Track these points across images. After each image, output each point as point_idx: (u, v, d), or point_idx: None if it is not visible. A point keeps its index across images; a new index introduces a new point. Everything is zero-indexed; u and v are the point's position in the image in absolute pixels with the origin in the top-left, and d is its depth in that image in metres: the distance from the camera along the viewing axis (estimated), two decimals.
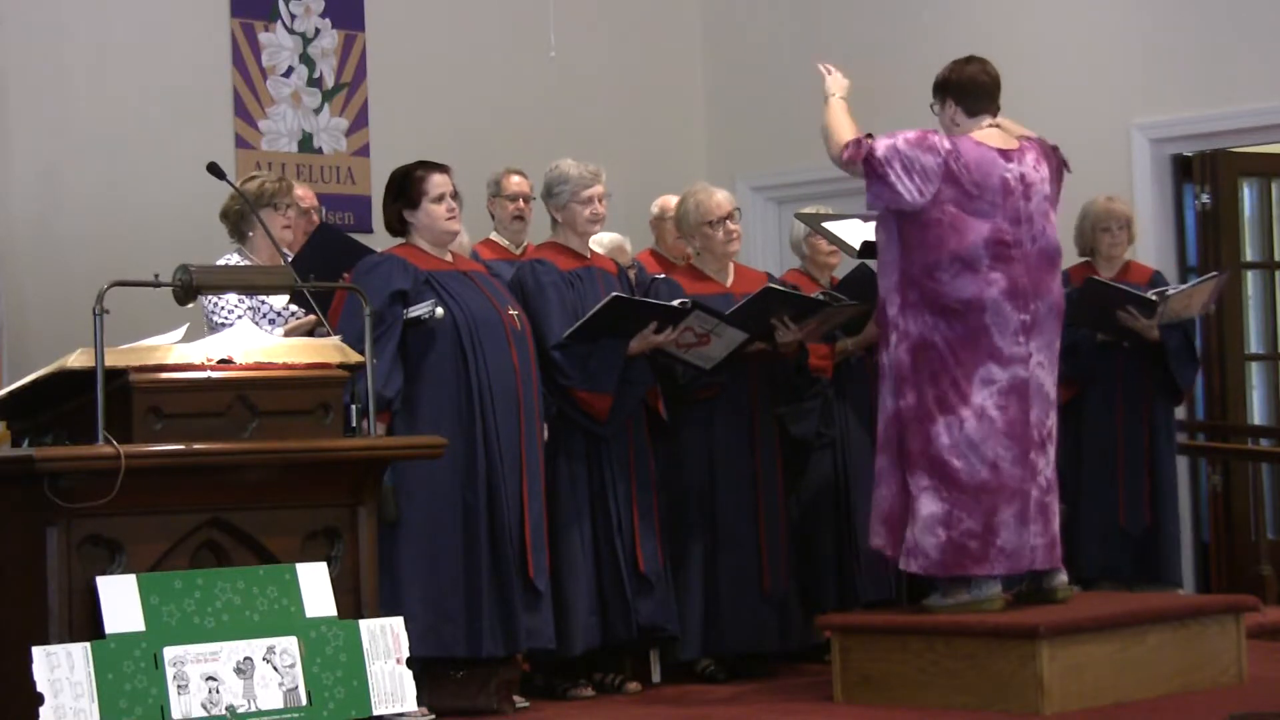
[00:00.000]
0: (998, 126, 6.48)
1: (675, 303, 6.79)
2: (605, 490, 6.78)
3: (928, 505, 6.31)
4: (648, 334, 6.71)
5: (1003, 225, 6.33)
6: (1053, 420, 6.45)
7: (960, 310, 6.30)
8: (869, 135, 6.40)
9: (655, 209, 8.16)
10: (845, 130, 6.45)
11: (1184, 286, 7.95)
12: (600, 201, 6.87)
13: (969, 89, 6.49)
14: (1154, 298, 7.71)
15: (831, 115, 6.55)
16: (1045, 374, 6.42)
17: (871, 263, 7.20)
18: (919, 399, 6.33)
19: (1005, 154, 6.40)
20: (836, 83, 6.64)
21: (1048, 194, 6.47)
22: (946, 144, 6.36)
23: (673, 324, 6.74)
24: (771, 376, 7.25)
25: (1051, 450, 6.46)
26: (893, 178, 6.29)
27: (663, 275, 7.31)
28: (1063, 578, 6.53)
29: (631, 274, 7.20)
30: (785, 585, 7.18)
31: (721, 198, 7.22)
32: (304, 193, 7.48)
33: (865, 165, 6.33)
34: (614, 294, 6.65)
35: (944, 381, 6.31)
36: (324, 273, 6.25)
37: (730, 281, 7.25)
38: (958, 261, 6.29)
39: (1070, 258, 8.12)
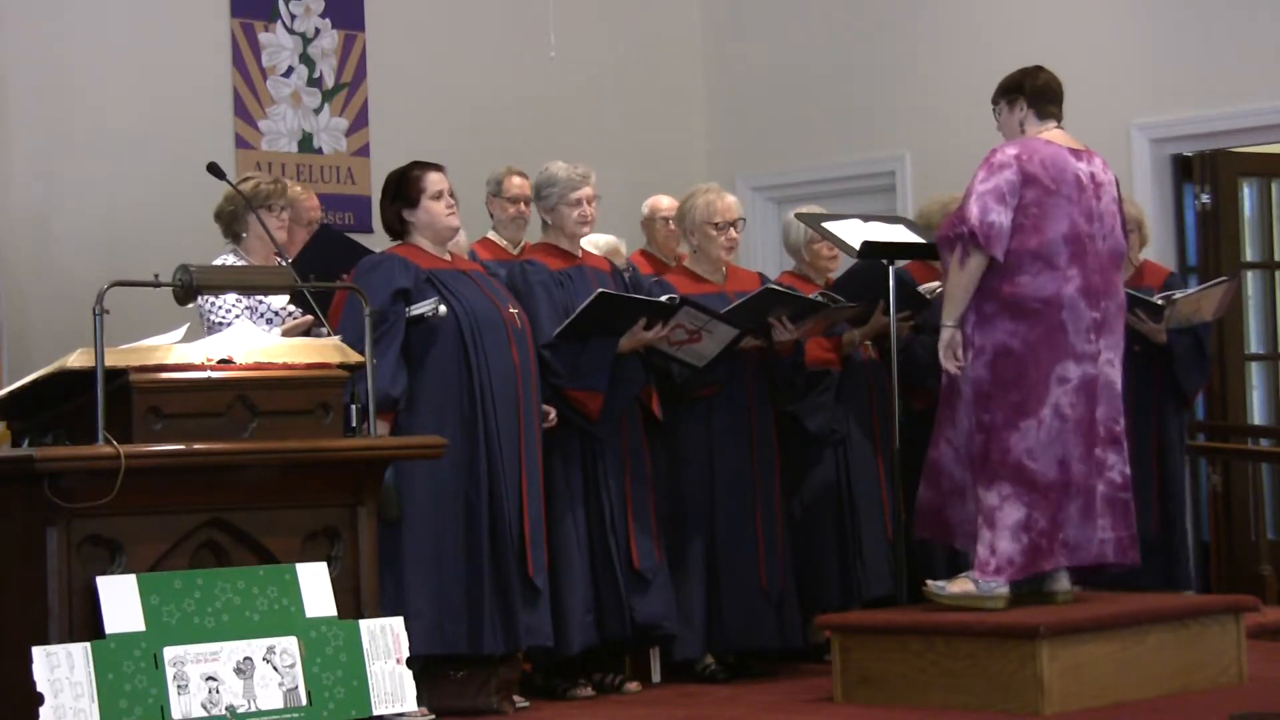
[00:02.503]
0: (1061, 130, 6.54)
1: (663, 298, 6.79)
2: (599, 488, 6.78)
3: (1011, 513, 6.32)
4: (637, 331, 6.72)
5: (1079, 220, 6.38)
6: (1120, 420, 6.50)
7: (1039, 309, 6.32)
8: (965, 232, 6.36)
9: (645, 209, 8.16)
10: (951, 276, 6.39)
11: (1192, 291, 7.93)
12: (590, 204, 6.87)
13: (1044, 93, 6.56)
14: (1160, 302, 7.70)
15: (955, 301, 6.40)
16: (1114, 372, 6.47)
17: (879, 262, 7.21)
18: (999, 409, 6.35)
19: (1075, 153, 6.48)
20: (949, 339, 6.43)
21: (1114, 196, 6.54)
22: (1011, 150, 6.40)
23: (662, 320, 6.74)
24: (770, 375, 7.26)
25: (1125, 448, 6.50)
26: (995, 219, 6.27)
27: (655, 277, 7.32)
28: (1064, 583, 6.53)
29: (627, 276, 7.20)
30: (783, 583, 7.18)
31: (732, 202, 7.26)
32: (311, 202, 7.48)
33: (976, 242, 6.30)
34: (599, 290, 6.65)
35: (1023, 386, 6.32)
36: (325, 274, 6.24)
37: (724, 281, 7.26)
38: (1039, 260, 6.32)
39: None
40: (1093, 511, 6.41)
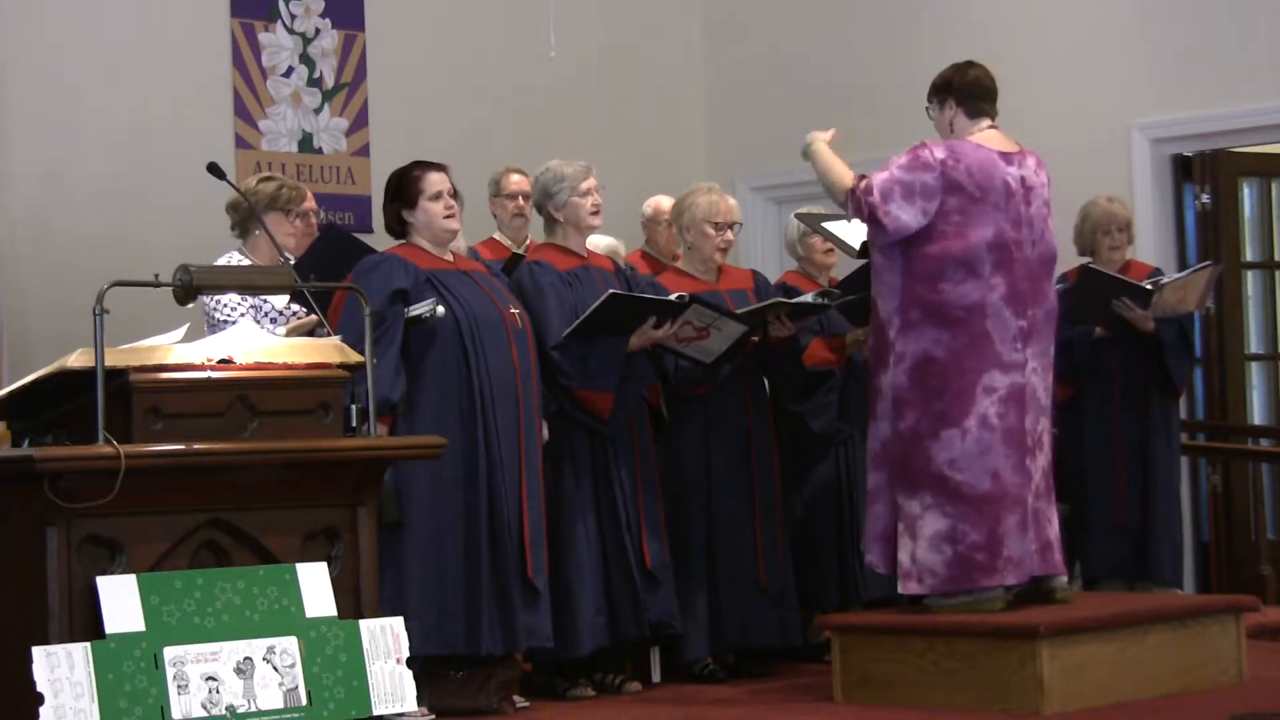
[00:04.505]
0: (995, 129, 6.48)
1: (673, 296, 6.80)
2: (611, 488, 6.78)
3: (932, 523, 6.28)
4: (647, 329, 6.72)
5: (1005, 227, 6.31)
6: (1044, 426, 6.42)
7: (963, 317, 6.27)
8: (862, 176, 6.36)
9: (648, 210, 8.16)
10: (842, 176, 6.44)
11: (1177, 276, 7.94)
12: (597, 193, 6.89)
13: (973, 91, 6.47)
14: (1149, 288, 7.71)
15: (822, 163, 6.53)
16: (1040, 380, 6.39)
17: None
18: (919, 418, 6.30)
19: (1006, 156, 6.38)
20: (819, 134, 6.61)
21: (1046, 199, 6.46)
22: (939, 153, 6.32)
23: (671, 318, 6.74)
24: (767, 370, 7.27)
25: (1043, 456, 6.43)
26: (895, 210, 6.26)
27: (649, 277, 7.32)
28: (1062, 579, 6.53)
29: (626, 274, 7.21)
30: (783, 581, 7.18)
31: (732, 204, 7.29)
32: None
33: (868, 213, 6.31)
34: (610, 291, 6.65)
35: (947, 395, 6.27)
36: (331, 274, 6.23)
37: (717, 280, 7.27)
38: (962, 267, 6.26)
39: (1070, 259, 8.12)
40: (1026, 523, 6.33)
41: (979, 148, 6.36)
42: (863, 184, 6.32)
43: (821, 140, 6.58)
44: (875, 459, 6.45)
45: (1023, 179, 6.38)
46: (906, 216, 6.27)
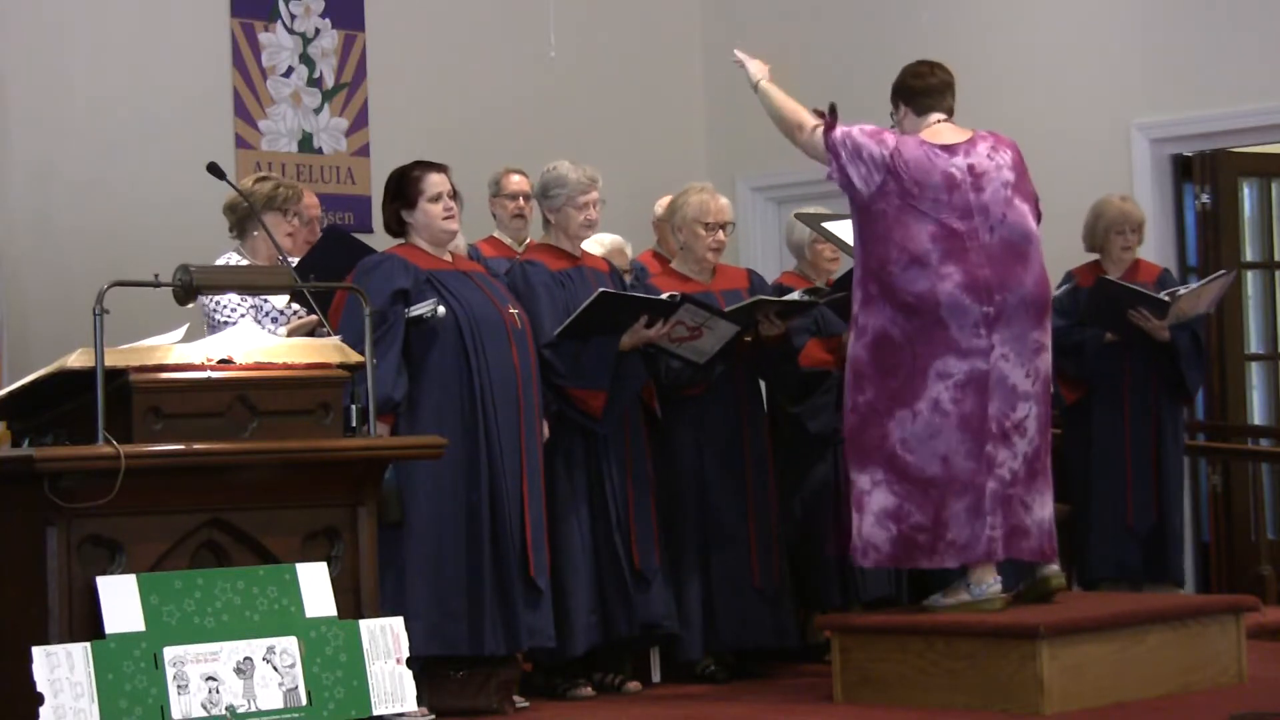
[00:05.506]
0: (947, 122, 6.48)
1: (664, 296, 6.80)
2: (603, 487, 6.78)
3: (879, 499, 6.33)
4: (639, 329, 6.72)
5: (950, 220, 6.30)
6: (1023, 413, 6.35)
7: (914, 304, 6.29)
8: (826, 117, 6.42)
9: (659, 209, 8.15)
10: (799, 112, 6.53)
11: (1193, 286, 7.94)
12: (594, 208, 6.87)
13: (917, 90, 6.53)
14: (1166, 299, 7.71)
15: (775, 100, 6.61)
16: (1010, 366, 6.33)
17: None
18: (876, 394, 6.33)
19: (949, 148, 6.39)
20: (759, 68, 6.70)
21: (1008, 180, 6.40)
22: (893, 141, 6.39)
23: (663, 318, 6.74)
24: (760, 369, 7.27)
25: (1021, 443, 6.36)
26: (844, 159, 6.34)
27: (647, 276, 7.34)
28: (1053, 566, 6.52)
29: (628, 277, 7.20)
30: (777, 581, 7.17)
31: (724, 204, 7.26)
32: (309, 199, 7.46)
33: (825, 148, 6.41)
34: (601, 289, 6.65)
35: (900, 375, 6.31)
36: (332, 275, 6.23)
37: (711, 280, 7.26)
38: (906, 254, 6.29)
39: (1078, 256, 8.13)
40: (981, 509, 6.32)
41: (920, 144, 6.40)
42: (827, 119, 6.41)
43: (765, 78, 6.69)
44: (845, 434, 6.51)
45: (970, 167, 6.37)
46: (851, 172, 6.34)
